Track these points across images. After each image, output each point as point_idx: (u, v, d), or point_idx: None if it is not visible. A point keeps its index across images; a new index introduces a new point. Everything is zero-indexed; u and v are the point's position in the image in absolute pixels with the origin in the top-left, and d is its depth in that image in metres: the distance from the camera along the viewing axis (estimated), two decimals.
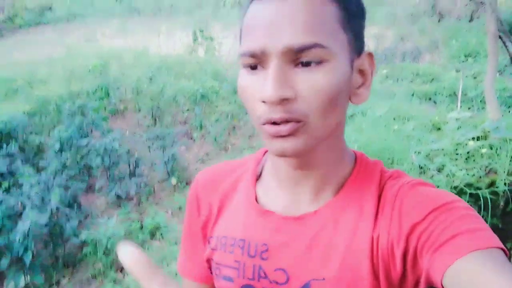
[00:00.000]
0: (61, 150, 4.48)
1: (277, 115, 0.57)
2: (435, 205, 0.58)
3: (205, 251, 0.75)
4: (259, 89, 0.58)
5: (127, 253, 0.43)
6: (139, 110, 5.93)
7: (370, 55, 0.64)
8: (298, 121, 0.58)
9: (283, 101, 0.56)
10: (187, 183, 4.64)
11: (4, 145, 4.37)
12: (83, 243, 3.59)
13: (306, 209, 0.66)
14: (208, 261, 0.75)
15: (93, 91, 5.87)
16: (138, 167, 4.63)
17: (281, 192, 0.69)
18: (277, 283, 0.65)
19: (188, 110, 5.62)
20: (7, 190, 3.80)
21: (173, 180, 4.53)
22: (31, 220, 3.22)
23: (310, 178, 0.66)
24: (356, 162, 0.69)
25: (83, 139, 4.48)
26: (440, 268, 0.53)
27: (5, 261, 3.22)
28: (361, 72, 0.64)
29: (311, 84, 0.56)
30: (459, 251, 0.53)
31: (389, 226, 0.61)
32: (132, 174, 4.54)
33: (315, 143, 0.61)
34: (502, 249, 0.54)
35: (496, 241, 0.54)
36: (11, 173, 4.05)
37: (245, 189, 0.73)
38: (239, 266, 0.69)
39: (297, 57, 0.56)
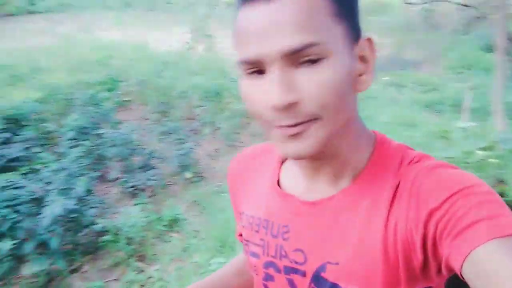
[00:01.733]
0: (74, 139, 4.45)
1: (287, 121, 0.58)
2: (453, 190, 0.56)
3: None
4: (264, 96, 0.58)
5: None
6: (146, 104, 5.92)
7: (369, 40, 0.63)
8: (309, 121, 0.59)
9: (291, 105, 0.57)
10: (201, 177, 4.68)
11: (17, 131, 4.31)
12: (103, 231, 3.58)
13: (324, 194, 0.68)
14: (241, 235, 0.83)
15: (102, 81, 5.83)
16: (151, 159, 4.64)
17: (301, 177, 0.72)
18: (296, 262, 0.69)
19: (199, 106, 5.65)
20: (25, 175, 3.75)
21: (187, 174, 4.56)
22: (58, 206, 3.21)
23: (328, 166, 0.68)
24: (376, 147, 0.68)
25: (99, 129, 4.46)
26: (458, 257, 0.52)
27: (29, 245, 3.19)
28: (362, 58, 0.63)
29: (315, 83, 0.57)
30: (477, 239, 0.51)
31: (407, 213, 0.60)
32: (146, 166, 4.54)
33: (330, 139, 0.61)
34: None
35: None
36: (27, 158, 4.01)
37: (270, 172, 0.78)
38: (264, 244, 0.73)
39: (295, 59, 0.56)
